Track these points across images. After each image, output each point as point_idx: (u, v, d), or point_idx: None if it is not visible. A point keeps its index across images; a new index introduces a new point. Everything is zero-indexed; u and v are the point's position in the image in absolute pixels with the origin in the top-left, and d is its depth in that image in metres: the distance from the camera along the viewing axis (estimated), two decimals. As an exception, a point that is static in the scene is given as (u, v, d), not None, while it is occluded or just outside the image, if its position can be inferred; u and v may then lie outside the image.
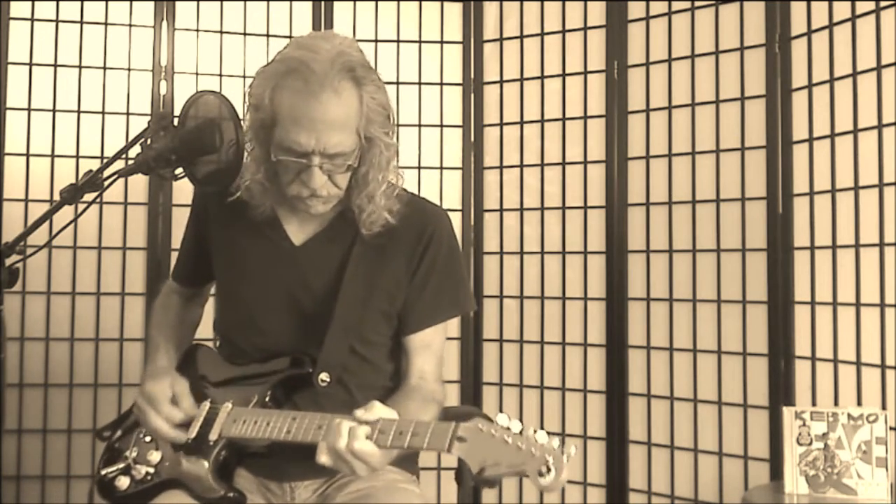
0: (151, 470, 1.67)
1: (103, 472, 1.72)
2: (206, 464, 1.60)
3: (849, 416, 2.27)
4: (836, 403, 2.52)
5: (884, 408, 2.37)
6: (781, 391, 2.65)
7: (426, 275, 1.70)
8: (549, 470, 1.27)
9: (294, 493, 1.71)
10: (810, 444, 2.28)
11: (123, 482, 1.68)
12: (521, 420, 3.07)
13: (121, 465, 1.71)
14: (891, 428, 2.25)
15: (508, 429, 1.31)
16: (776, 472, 2.58)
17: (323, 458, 1.43)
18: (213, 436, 1.61)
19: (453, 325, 3.08)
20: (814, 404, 2.57)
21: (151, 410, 1.65)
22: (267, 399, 1.64)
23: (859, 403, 2.45)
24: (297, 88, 1.53)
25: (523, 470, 1.28)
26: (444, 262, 1.72)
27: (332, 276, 1.68)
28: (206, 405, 1.67)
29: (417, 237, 1.70)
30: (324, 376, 1.64)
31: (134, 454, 1.71)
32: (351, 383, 1.69)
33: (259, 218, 1.70)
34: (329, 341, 1.65)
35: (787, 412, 2.34)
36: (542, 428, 3.12)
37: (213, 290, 1.99)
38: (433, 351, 1.74)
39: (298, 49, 1.57)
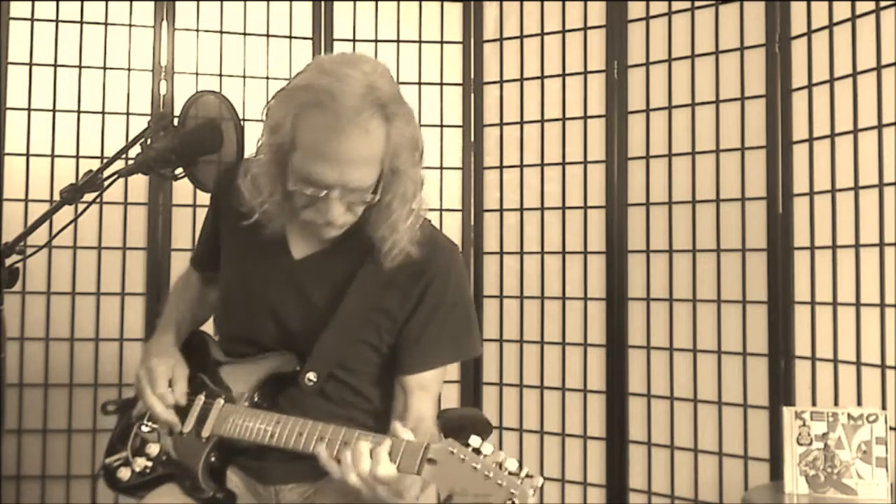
0: (150, 463, 1.69)
1: (107, 461, 1.74)
2: (197, 464, 1.62)
3: (849, 416, 2.27)
4: (836, 403, 2.52)
5: (884, 408, 2.37)
6: (781, 391, 2.65)
7: (428, 316, 1.63)
8: None
9: (279, 496, 1.71)
10: (810, 444, 2.28)
11: (125, 473, 1.71)
12: (521, 420, 3.06)
13: (122, 455, 1.73)
14: (891, 428, 2.25)
15: (479, 451, 1.29)
16: (776, 472, 2.58)
17: (347, 480, 1.40)
18: (205, 433, 1.63)
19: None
20: (814, 404, 2.57)
21: (148, 387, 1.67)
22: (256, 398, 1.65)
23: (859, 403, 2.45)
24: (323, 123, 1.44)
25: (490, 501, 1.26)
26: (450, 305, 1.65)
27: (327, 294, 1.65)
28: (201, 399, 1.68)
29: (420, 274, 1.63)
30: (311, 376, 1.62)
31: (135, 446, 1.73)
32: (337, 399, 1.68)
33: (266, 229, 1.66)
34: (321, 344, 1.63)
35: (787, 412, 2.34)
36: (542, 428, 3.13)
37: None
38: (432, 394, 1.68)
39: (324, 76, 1.47)
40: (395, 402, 1.68)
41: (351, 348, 1.66)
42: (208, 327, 1.92)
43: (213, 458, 1.63)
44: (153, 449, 1.70)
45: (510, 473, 1.27)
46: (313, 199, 1.51)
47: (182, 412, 1.67)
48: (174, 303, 1.89)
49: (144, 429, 1.74)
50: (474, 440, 1.30)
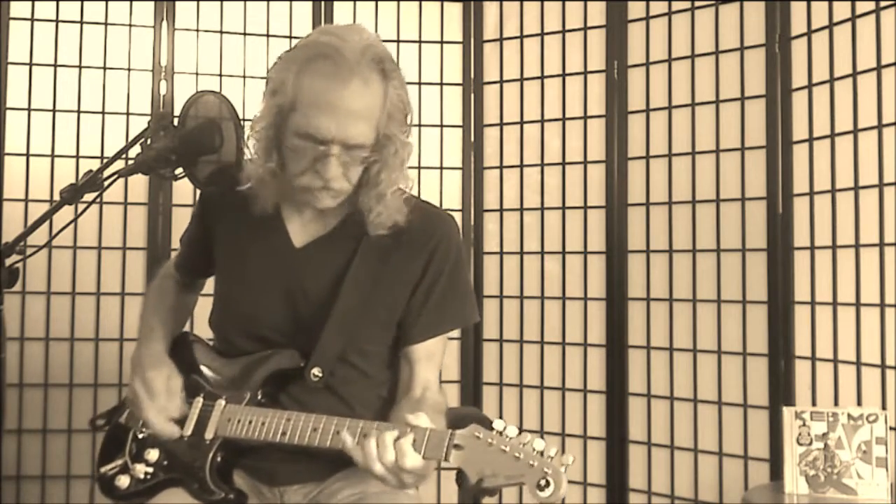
0: (150, 469, 1.66)
1: (103, 470, 1.71)
2: (204, 466, 1.60)
3: (849, 416, 2.27)
4: (836, 403, 2.52)
5: (884, 408, 2.37)
6: (781, 391, 2.65)
7: (432, 284, 1.66)
8: (547, 483, 1.25)
9: (284, 497, 1.70)
10: (810, 444, 2.28)
11: (124, 481, 1.67)
12: (521, 420, 3.04)
13: (119, 463, 1.70)
14: (891, 428, 2.25)
15: (505, 434, 1.29)
16: (776, 472, 2.58)
17: (371, 470, 1.41)
18: (208, 435, 1.61)
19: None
20: (814, 404, 2.57)
21: (148, 400, 1.65)
22: (259, 396, 1.64)
23: (859, 403, 2.45)
24: (325, 72, 1.50)
25: (522, 482, 1.27)
26: (451, 272, 1.68)
27: (330, 281, 1.66)
28: (200, 402, 1.66)
29: (423, 245, 1.66)
30: (316, 371, 1.62)
31: (132, 452, 1.70)
32: (343, 392, 1.67)
33: (262, 216, 1.67)
34: (323, 338, 1.63)
35: (787, 412, 2.34)
36: (541, 428, 3.13)
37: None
38: (436, 362, 1.70)
39: (326, 35, 1.55)
40: (401, 372, 1.70)
41: (360, 330, 1.65)
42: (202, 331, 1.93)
43: (219, 459, 1.61)
44: (152, 454, 1.66)
45: (539, 453, 1.27)
46: (311, 160, 1.53)
47: (180, 417, 1.66)
48: (153, 309, 1.86)
49: (141, 435, 1.71)
50: (498, 424, 1.31)
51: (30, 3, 2.97)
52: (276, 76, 1.56)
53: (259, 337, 1.70)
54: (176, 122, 1.95)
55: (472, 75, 3.25)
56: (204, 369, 1.73)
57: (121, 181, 1.94)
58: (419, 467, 1.37)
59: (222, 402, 1.63)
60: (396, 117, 1.56)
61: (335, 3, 3.17)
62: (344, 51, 1.50)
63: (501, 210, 3.21)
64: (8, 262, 1.66)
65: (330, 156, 1.52)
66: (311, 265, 1.67)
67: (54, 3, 2.99)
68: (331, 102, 1.49)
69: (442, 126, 3.23)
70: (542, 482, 1.25)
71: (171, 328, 1.84)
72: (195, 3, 3.08)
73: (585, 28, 3.10)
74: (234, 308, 1.75)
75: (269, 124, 1.56)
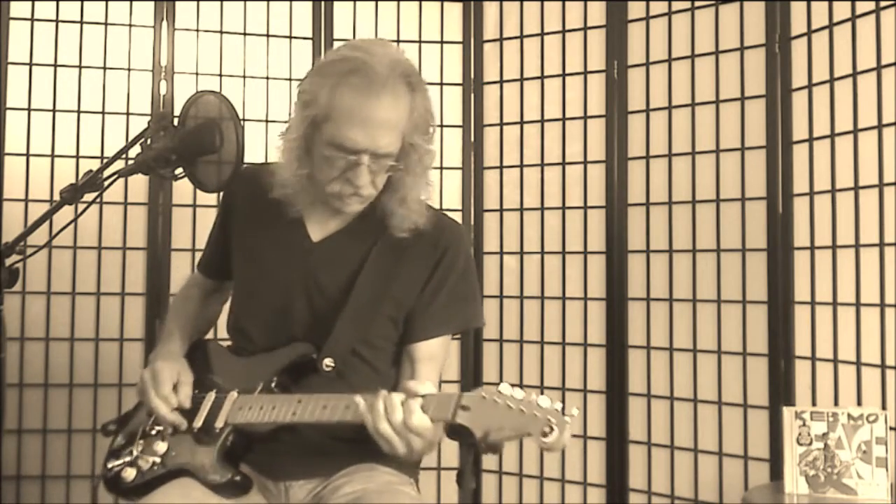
0: (158, 460, 1.69)
1: (109, 466, 1.73)
2: (212, 451, 1.62)
3: (849, 416, 2.27)
4: (836, 403, 2.52)
5: (884, 408, 2.36)
6: (781, 391, 2.65)
7: (438, 285, 1.72)
8: (551, 429, 1.29)
9: (289, 493, 1.72)
10: (810, 444, 2.28)
11: (130, 473, 1.70)
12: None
13: (127, 459, 1.72)
14: (891, 428, 2.25)
15: (511, 396, 1.34)
16: (776, 472, 2.58)
17: (379, 438, 1.45)
18: (219, 423, 1.64)
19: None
20: (814, 404, 2.57)
21: (154, 388, 1.69)
22: (273, 385, 1.67)
23: (859, 403, 2.45)
24: (359, 86, 1.57)
25: (527, 431, 1.31)
26: (458, 275, 1.74)
27: (345, 275, 1.71)
28: (212, 395, 1.70)
29: (433, 247, 1.72)
30: (328, 361, 1.67)
31: (140, 447, 1.73)
32: (354, 384, 1.69)
33: (280, 214, 1.72)
34: (336, 330, 1.67)
35: (787, 412, 2.34)
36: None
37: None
38: (437, 363, 1.76)
39: (356, 50, 1.62)
40: (402, 371, 1.75)
41: (371, 324, 1.70)
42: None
43: (228, 444, 1.64)
44: (161, 447, 1.69)
45: (543, 406, 1.31)
46: (342, 169, 1.60)
47: (191, 411, 1.69)
48: (175, 315, 1.91)
49: (153, 431, 1.73)
50: (504, 387, 1.36)
51: (30, 3, 2.96)
52: (309, 88, 1.63)
53: (276, 329, 1.73)
54: (176, 122, 1.96)
55: (472, 75, 3.24)
56: (219, 368, 1.77)
57: (121, 181, 1.94)
58: (426, 428, 1.42)
59: (234, 393, 1.67)
60: (421, 127, 1.64)
61: (335, 3, 3.17)
62: (375, 66, 1.58)
63: (501, 210, 3.21)
64: (8, 262, 1.67)
65: (360, 165, 1.59)
66: (328, 258, 1.72)
67: (54, 3, 2.98)
68: (363, 115, 1.57)
69: (442, 126, 3.22)
70: (546, 429, 1.29)
71: (190, 333, 1.88)
72: (195, 3, 3.08)
73: (585, 28, 3.09)
74: (251, 301, 1.79)
75: (300, 135, 1.63)
